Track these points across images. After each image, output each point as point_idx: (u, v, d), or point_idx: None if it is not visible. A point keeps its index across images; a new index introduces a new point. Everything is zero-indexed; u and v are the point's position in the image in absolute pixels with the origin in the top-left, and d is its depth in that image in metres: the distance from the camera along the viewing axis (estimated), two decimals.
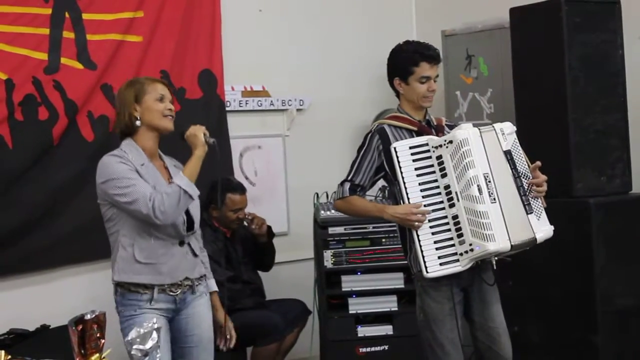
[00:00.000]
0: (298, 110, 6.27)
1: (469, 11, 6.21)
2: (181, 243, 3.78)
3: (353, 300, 5.07)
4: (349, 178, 3.99)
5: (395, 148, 3.79)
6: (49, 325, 4.86)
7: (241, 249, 5.38)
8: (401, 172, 3.77)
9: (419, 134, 3.93)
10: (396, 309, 5.08)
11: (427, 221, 3.74)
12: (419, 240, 3.74)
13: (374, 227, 5.08)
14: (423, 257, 3.73)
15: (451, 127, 4.07)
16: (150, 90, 3.78)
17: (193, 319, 3.84)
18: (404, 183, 3.78)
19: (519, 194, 3.80)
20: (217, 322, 4.09)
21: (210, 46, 5.81)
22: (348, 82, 6.51)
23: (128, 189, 3.61)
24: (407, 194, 3.77)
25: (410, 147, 3.79)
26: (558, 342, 5.02)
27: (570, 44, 4.94)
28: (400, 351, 5.05)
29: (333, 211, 5.19)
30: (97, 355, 2.42)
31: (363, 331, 5.08)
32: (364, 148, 3.99)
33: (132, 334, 2.40)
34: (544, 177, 3.88)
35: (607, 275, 4.90)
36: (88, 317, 2.40)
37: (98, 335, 2.43)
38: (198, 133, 3.72)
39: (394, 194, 3.94)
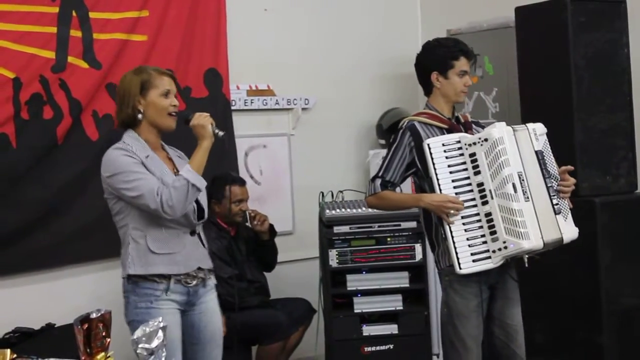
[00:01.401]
0: (303, 109, 6.28)
1: (474, 10, 6.22)
2: (192, 233, 3.77)
3: (358, 299, 5.07)
4: (380, 174, 4.00)
5: (428, 144, 3.81)
6: (54, 324, 4.88)
7: (245, 248, 5.38)
8: (434, 169, 3.80)
9: (449, 131, 3.96)
10: (401, 308, 5.07)
11: (459, 217, 3.77)
12: (453, 237, 3.77)
13: (379, 226, 5.07)
14: (456, 253, 3.76)
15: (476, 124, 4.14)
16: (157, 83, 3.72)
17: (205, 315, 3.83)
18: (437, 180, 3.81)
19: (549, 194, 3.83)
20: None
21: (216, 45, 5.82)
22: (353, 81, 6.51)
23: (135, 182, 3.58)
24: (440, 190, 3.80)
25: (443, 144, 3.82)
26: (563, 341, 5.02)
27: (576, 43, 4.94)
28: (405, 350, 5.05)
29: (338, 210, 5.20)
30: (103, 354, 2.43)
31: (368, 330, 5.07)
32: (395, 144, 4.00)
33: (138, 333, 2.40)
34: (572, 180, 3.94)
35: (612, 275, 4.90)
36: (94, 315, 2.41)
37: (104, 334, 2.43)
38: (206, 124, 3.68)
39: (424, 190, 3.97)
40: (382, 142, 6.36)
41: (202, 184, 3.63)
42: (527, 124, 3.90)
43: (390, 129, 6.28)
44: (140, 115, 3.71)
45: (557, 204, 3.84)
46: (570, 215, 3.91)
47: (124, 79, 3.81)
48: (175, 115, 3.76)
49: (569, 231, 3.89)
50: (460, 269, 3.76)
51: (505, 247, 3.72)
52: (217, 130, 3.71)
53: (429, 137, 3.90)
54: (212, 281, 3.89)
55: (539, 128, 3.91)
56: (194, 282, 3.76)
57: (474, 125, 4.10)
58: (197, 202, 3.77)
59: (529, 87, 5.21)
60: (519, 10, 5.27)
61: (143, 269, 3.66)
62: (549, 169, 3.87)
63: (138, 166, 3.63)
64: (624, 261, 4.95)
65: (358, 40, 6.54)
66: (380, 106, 6.49)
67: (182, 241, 3.73)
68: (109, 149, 3.73)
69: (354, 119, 6.52)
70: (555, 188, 3.87)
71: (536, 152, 3.85)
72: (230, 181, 5.26)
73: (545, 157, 3.87)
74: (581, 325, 4.95)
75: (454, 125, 4.02)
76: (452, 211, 3.76)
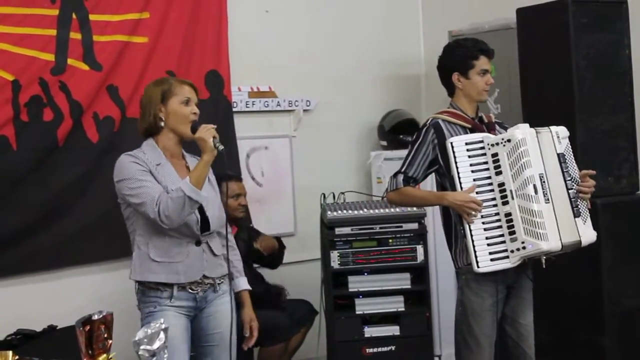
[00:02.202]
0: (305, 111, 6.27)
1: (476, 12, 6.21)
2: (197, 243, 3.78)
3: (360, 300, 5.06)
4: (403, 170, 4.06)
5: (452, 143, 3.86)
6: (56, 326, 4.87)
7: (243, 246, 5.36)
8: (457, 167, 3.85)
9: (472, 131, 4.01)
10: (403, 309, 5.07)
11: (479, 217, 3.82)
12: (472, 235, 3.82)
13: (380, 228, 5.06)
14: (475, 251, 3.81)
15: (500, 125, 4.18)
16: (177, 92, 3.78)
17: (215, 318, 3.85)
18: (459, 178, 3.86)
19: (569, 196, 3.88)
20: (242, 319, 4.10)
21: (217, 47, 5.82)
22: (355, 83, 6.51)
23: (138, 190, 3.64)
24: (461, 188, 3.86)
25: (467, 143, 3.88)
26: (565, 343, 5.02)
27: (577, 45, 4.93)
28: (407, 351, 5.04)
29: (340, 211, 5.19)
30: (105, 355, 2.42)
31: (370, 331, 5.06)
32: (419, 141, 4.05)
33: (140, 334, 2.40)
34: (592, 182, 4.00)
35: (614, 276, 4.90)
36: (95, 317, 2.40)
37: (105, 335, 2.43)
38: (207, 138, 3.67)
39: (445, 187, 4.02)
40: (384, 143, 6.36)
41: (198, 196, 3.63)
42: (551, 127, 3.93)
43: (392, 130, 6.29)
44: (162, 123, 3.78)
45: (576, 207, 3.88)
46: (589, 219, 3.97)
47: (146, 90, 3.89)
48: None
49: (588, 234, 3.94)
50: (478, 267, 3.81)
51: (524, 248, 3.77)
52: (217, 144, 3.69)
53: (452, 136, 3.95)
54: (225, 286, 3.90)
55: (562, 131, 3.96)
56: (199, 289, 3.79)
57: (497, 126, 4.14)
58: (202, 214, 3.79)
59: (530, 88, 5.21)
60: (520, 12, 5.26)
61: (143, 276, 3.72)
62: (570, 172, 3.91)
63: (144, 174, 3.68)
64: (625, 262, 4.94)
65: (359, 41, 6.54)
66: (381, 107, 6.49)
67: (184, 251, 3.75)
68: (122, 154, 3.80)
69: (355, 120, 6.52)
70: (575, 191, 3.91)
71: (558, 154, 3.89)
72: (227, 178, 5.27)
73: (567, 160, 3.92)
74: (583, 326, 4.95)
75: (477, 125, 4.06)
76: (473, 212, 3.80)
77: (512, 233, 3.79)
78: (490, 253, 3.81)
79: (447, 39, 6.02)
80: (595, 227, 4.78)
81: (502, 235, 3.82)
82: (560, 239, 3.79)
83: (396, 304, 5.07)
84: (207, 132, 3.69)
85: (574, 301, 4.97)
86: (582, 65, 4.95)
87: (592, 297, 4.90)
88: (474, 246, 3.81)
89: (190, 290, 3.75)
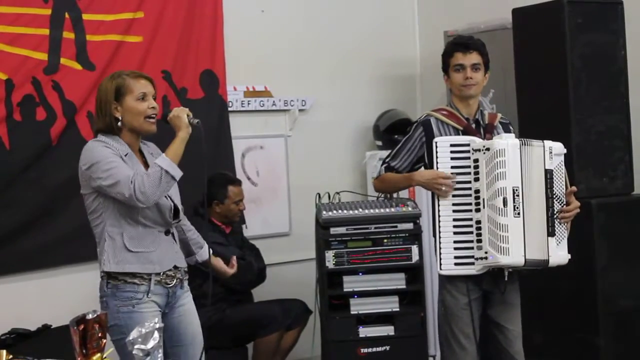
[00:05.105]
0: (300, 110, 6.27)
1: (472, 12, 6.21)
2: (167, 232, 3.74)
3: (354, 300, 5.05)
4: (386, 161, 4.17)
5: (436, 142, 3.90)
6: (51, 325, 4.86)
7: (236, 249, 5.36)
8: (436, 167, 3.88)
9: (465, 133, 4.01)
10: (397, 309, 5.06)
11: (451, 220, 3.85)
12: (440, 237, 3.85)
13: (375, 228, 5.06)
14: (440, 253, 3.85)
15: (504, 125, 4.17)
16: (131, 87, 3.65)
17: (185, 317, 3.81)
18: None
19: (547, 214, 3.84)
20: (223, 270, 4.11)
21: (212, 46, 5.81)
22: (350, 83, 6.51)
23: (110, 171, 3.54)
24: None
25: (451, 145, 3.90)
26: (559, 343, 5.02)
27: (573, 45, 4.94)
28: (401, 352, 5.03)
29: (335, 211, 5.19)
30: (99, 355, 2.42)
31: (364, 332, 5.05)
32: (407, 136, 4.14)
33: (134, 334, 2.40)
34: (577, 204, 3.94)
35: (608, 276, 4.90)
36: (89, 316, 2.40)
37: (99, 335, 2.42)
38: (181, 114, 3.63)
39: None
40: (379, 143, 6.36)
41: (176, 172, 3.57)
42: (545, 141, 3.89)
43: (387, 130, 6.29)
44: (119, 123, 3.66)
45: (552, 226, 3.83)
46: (565, 241, 3.91)
47: (100, 86, 3.75)
48: (154, 118, 3.69)
49: (558, 256, 3.88)
50: (440, 269, 3.87)
51: (486, 258, 3.78)
52: (192, 120, 3.66)
53: (441, 135, 3.98)
54: (186, 282, 3.86)
55: (557, 147, 3.90)
56: (173, 283, 3.73)
57: (500, 127, 4.12)
58: (172, 201, 3.76)
59: (526, 88, 5.21)
60: (516, 12, 5.27)
61: (118, 267, 3.61)
62: (555, 190, 3.85)
63: (115, 157, 3.59)
64: (620, 262, 4.95)
65: (355, 41, 6.54)
66: (377, 107, 6.49)
67: (157, 240, 3.69)
68: (88, 142, 3.71)
69: (351, 120, 6.52)
70: (557, 210, 3.86)
71: (546, 170, 3.84)
72: (231, 182, 5.32)
73: (554, 178, 3.86)
74: (578, 326, 4.95)
75: (469, 127, 4.04)
76: (443, 187, 3.82)
77: (479, 241, 3.80)
78: (456, 257, 3.84)
79: (443, 39, 6.04)
80: (589, 228, 4.81)
81: (471, 241, 3.83)
82: (525, 255, 3.76)
83: (391, 304, 5.07)
84: (181, 111, 3.66)
85: (569, 301, 4.97)
86: (577, 65, 4.95)
87: (587, 297, 4.90)
88: (440, 248, 3.85)
89: (165, 285, 3.69)
